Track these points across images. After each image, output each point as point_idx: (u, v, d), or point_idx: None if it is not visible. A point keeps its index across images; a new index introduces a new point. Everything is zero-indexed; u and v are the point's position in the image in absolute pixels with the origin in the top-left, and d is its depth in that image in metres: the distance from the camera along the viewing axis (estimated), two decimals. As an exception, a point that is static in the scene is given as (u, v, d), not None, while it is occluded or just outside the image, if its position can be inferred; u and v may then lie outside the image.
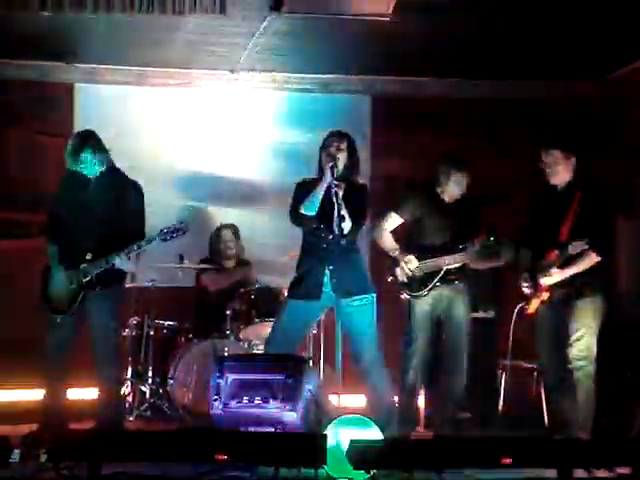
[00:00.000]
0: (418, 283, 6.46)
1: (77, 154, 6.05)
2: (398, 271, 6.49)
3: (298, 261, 6.12)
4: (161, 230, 6.19)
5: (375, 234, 6.56)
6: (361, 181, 6.18)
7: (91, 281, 6.06)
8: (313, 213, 5.88)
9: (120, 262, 6.04)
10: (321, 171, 5.97)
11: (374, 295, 6.03)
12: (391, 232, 6.56)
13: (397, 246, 6.52)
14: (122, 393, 6.80)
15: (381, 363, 6.03)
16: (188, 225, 6.29)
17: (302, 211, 5.89)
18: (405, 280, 6.47)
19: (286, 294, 6.23)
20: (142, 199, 6.26)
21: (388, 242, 6.54)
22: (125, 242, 6.03)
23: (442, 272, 6.43)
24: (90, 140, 6.12)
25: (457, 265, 6.45)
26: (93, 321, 6.13)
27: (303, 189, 6.01)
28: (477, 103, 8.28)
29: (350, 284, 5.93)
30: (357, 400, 6.68)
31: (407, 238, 6.58)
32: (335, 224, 5.71)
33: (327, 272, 5.91)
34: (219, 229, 7.83)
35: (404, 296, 6.50)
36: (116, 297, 6.26)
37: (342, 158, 5.96)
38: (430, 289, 6.44)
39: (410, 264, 6.42)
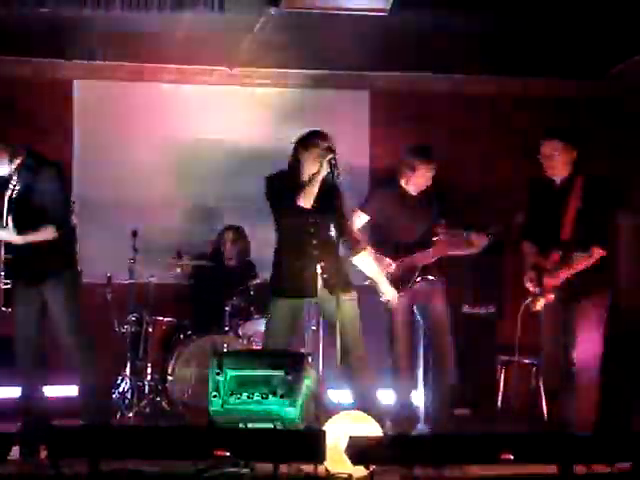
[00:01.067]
0: (398, 283, 6.42)
1: None
2: None
3: (280, 258, 5.98)
4: None
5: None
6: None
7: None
8: (309, 206, 5.81)
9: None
10: (294, 165, 5.92)
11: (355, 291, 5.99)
12: (361, 230, 6.49)
13: (372, 249, 6.42)
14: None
15: (366, 361, 5.96)
16: None
17: (300, 203, 5.83)
18: None
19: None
20: (57, 181, 5.91)
21: (371, 250, 6.47)
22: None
23: (419, 269, 6.42)
24: None
25: (432, 260, 6.43)
26: (52, 309, 5.88)
27: (282, 182, 5.92)
28: (476, 99, 8.27)
29: (340, 280, 5.91)
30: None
31: (378, 235, 6.54)
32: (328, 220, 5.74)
33: (319, 269, 5.86)
34: (223, 230, 7.81)
35: (383, 298, 6.44)
36: (70, 282, 5.96)
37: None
38: (410, 286, 6.42)
39: (389, 268, 6.39)
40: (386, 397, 6.63)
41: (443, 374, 6.51)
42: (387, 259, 6.41)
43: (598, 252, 5.90)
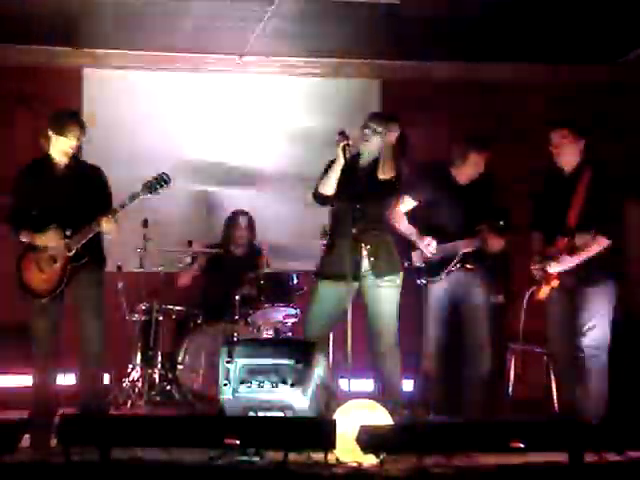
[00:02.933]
0: (435, 267, 6.44)
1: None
2: (415, 256, 6.48)
3: (329, 242, 6.12)
4: (144, 184, 6.12)
5: (391, 217, 6.44)
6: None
7: (77, 255, 5.94)
8: (330, 193, 5.90)
9: (106, 227, 5.94)
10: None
11: (401, 276, 6.04)
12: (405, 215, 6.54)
13: (414, 229, 6.50)
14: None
15: (398, 348, 6.03)
16: (169, 176, 6.19)
17: (321, 191, 5.93)
18: (422, 265, 6.46)
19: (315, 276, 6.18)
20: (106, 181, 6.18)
21: (405, 225, 6.51)
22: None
23: (459, 256, 6.43)
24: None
25: (473, 249, 6.44)
26: (80, 293, 6.00)
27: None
28: (488, 86, 8.23)
29: (384, 264, 5.95)
30: (367, 385, 6.68)
31: (421, 221, 6.56)
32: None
33: (364, 252, 5.91)
34: (234, 215, 7.79)
35: (420, 281, 6.48)
36: (102, 269, 6.18)
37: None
38: (448, 273, 6.43)
39: (430, 246, 6.40)
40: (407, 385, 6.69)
41: (477, 362, 6.54)
42: (428, 238, 6.42)
43: (604, 241, 5.91)
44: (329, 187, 5.92)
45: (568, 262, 5.96)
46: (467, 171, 6.52)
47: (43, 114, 7.03)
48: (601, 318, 5.96)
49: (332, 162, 5.97)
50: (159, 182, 6.14)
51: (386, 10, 6.73)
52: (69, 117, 6.03)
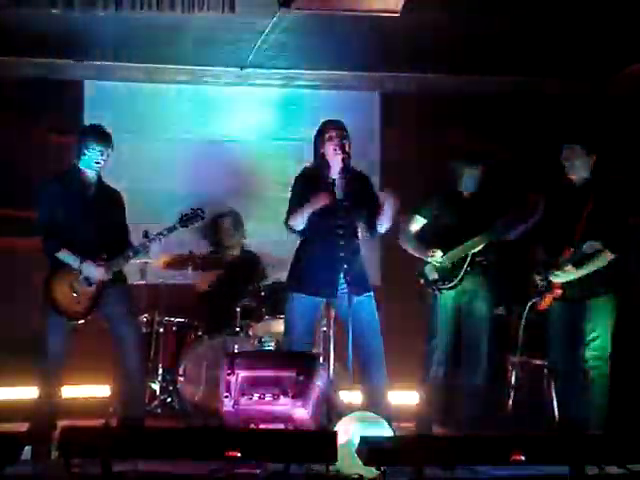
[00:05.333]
0: (449, 274, 6.47)
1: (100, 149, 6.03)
2: (427, 269, 6.50)
3: (304, 255, 6.08)
4: (180, 217, 6.23)
5: (402, 239, 6.58)
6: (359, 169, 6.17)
7: (110, 279, 6.04)
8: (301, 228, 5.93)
9: (142, 255, 6.17)
10: (321, 158, 5.97)
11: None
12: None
13: (422, 246, 6.55)
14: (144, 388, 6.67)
15: (383, 360, 6.02)
16: (204, 211, 6.32)
17: (291, 224, 5.97)
18: (436, 276, 6.48)
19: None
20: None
21: (416, 245, 6.58)
22: (122, 238, 6.10)
23: (469, 258, 6.45)
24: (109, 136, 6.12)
25: (481, 247, 6.45)
26: (115, 315, 6.07)
27: (312, 179, 6.01)
28: (489, 100, 8.25)
29: (361, 282, 5.94)
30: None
31: (428, 236, 6.60)
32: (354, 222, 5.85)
33: (342, 270, 5.88)
34: (216, 218, 7.79)
35: (436, 293, 6.50)
36: (130, 289, 6.32)
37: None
38: (462, 277, 6.45)
39: (436, 255, 6.42)
40: (400, 398, 6.73)
41: (475, 375, 6.55)
42: (432, 249, 6.46)
43: (608, 255, 5.94)
44: (302, 223, 5.92)
45: (572, 273, 5.97)
46: (465, 185, 6.58)
47: (45, 127, 7.06)
48: (603, 330, 5.99)
49: (302, 195, 5.95)
50: (195, 217, 6.29)
51: (386, 23, 6.74)
52: (101, 131, 6.09)
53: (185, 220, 6.24)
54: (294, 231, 6.01)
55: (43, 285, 6.02)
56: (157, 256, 6.69)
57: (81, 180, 6.06)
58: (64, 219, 6.00)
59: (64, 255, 5.96)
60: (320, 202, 5.83)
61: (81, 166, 6.06)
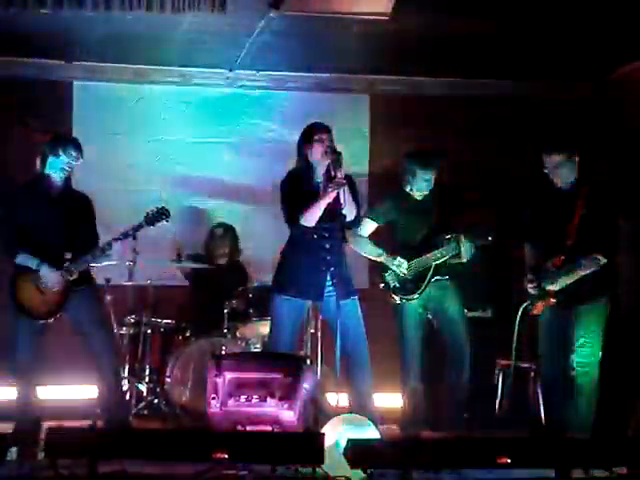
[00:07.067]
0: (411, 284, 6.45)
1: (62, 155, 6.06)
2: (389, 277, 6.48)
3: (290, 257, 6.05)
4: (146, 215, 6.29)
5: (351, 241, 6.43)
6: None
7: (76, 280, 6.04)
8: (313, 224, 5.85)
9: (108, 254, 6.11)
10: (305, 160, 5.95)
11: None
12: (371, 237, 6.58)
13: (381, 251, 6.52)
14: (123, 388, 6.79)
15: (368, 363, 6.02)
16: (169, 209, 6.36)
17: (305, 222, 5.84)
18: (397, 284, 6.47)
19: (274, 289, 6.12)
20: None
21: (369, 248, 6.56)
22: (90, 242, 6.09)
23: (432, 269, 6.44)
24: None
25: (445, 259, 6.45)
26: (85, 318, 6.10)
27: (297, 187, 5.97)
28: (476, 102, 8.26)
29: (346, 285, 5.93)
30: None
31: (389, 240, 6.59)
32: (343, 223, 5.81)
33: (329, 273, 5.87)
34: (213, 228, 7.83)
35: (395, 300, 6.49)
36: (98, 291, 6.38)
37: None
38: (424, 288, 6.44)
39: (402, 267, 6.42)
40: (387, 400, 6.76)
41: (459, 375, 6.54)
42: (398, 257, 6.44)
43: (602, 259, 5.91)
44: (316, 219, 5.86)
45: (566, 280, 5.96)
46: (419, 186, 6.53)
47: (34, 127, 7.05)
48: (593, 335, 5.99)
49: (300, 194, 5.91)
50: (160, 216, 6.32)
51: (375, 26, 6.75)
52: (67, 138, 6.18)
53: (151, 218, 6.28)
54: (300, 229, 5.91)
55: (9, 285, 6.05)
56: (122, 258, 6.65)
57: (47, 186, 6.09)
58: (27, 222, 6.03)
59: (22, 258, 6.01)
60: (332, 196, 5.78)
61: (47, 170, 6.07)
